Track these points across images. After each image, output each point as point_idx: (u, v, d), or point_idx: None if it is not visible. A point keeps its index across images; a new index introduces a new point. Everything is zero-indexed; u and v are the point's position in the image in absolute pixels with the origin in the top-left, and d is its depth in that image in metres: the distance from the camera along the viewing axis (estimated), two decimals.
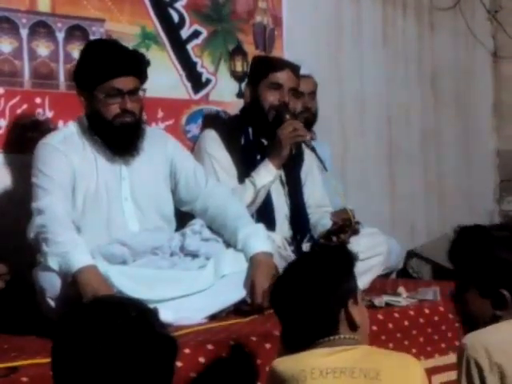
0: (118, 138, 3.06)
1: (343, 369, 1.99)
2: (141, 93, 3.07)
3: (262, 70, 3.61)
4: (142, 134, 3.12)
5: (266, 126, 3.58)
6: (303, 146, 3.67)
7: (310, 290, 2.08)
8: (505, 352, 2.06)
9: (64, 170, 3.00)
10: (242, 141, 3.61)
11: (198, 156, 3.51)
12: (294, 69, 3.62)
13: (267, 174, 3.51)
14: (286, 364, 2.08)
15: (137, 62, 3.08)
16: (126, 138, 3.08)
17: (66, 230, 2.89)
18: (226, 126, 3.71)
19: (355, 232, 3.46)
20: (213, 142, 3.57)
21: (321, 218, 3.68)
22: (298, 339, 2.11)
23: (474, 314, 2.22)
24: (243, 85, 4.02)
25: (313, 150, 3.58)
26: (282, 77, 3.57)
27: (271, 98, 3.56)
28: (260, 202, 3.52)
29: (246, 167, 3.56)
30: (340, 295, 2.09)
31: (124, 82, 3.00)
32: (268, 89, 3.57)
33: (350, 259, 2.17)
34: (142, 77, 3.09)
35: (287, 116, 3.54)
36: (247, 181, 3.51)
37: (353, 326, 2.10)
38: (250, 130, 3.62)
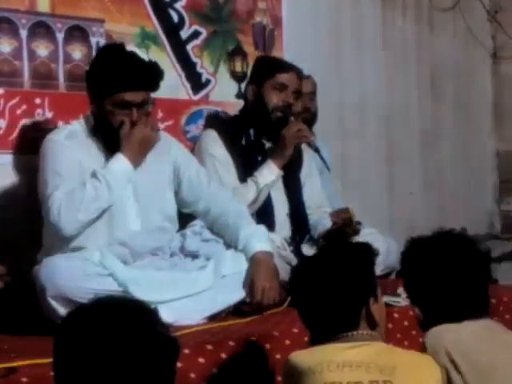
0: None
1: (359, 363, 2.00)
2: (150, 107, 3.06)
3: (267, 70, 3.61)
4: None
5: (268, 126, 3.58)
6: (303, 147, 3.68)
7: (335, 287, 2.08)
8: (461, 352, 2.10)
9: (71, 163, 3.01)
10: (243, 141, 3.61)
11: (198, 156, 3.51)
12: (298, 71, 3.64)
13: (270, 174, 3.52)
14: (302, 356, 2.09)
15: (150, 76, 3.05)
16: None
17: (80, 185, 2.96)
18: (227, 126, 3.70)
19: (356, 232, 3.46)
20: (213, 142, 3.57)
21: (320, 219, 3.69)
22: (318, 334, 2.12)
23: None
24: (243, 85, 4.02)
25: (316, 150, 3.59)
26: (288, 78, 3.58)
27: (276, 98, 3.57)
28: (262, 201, 3.52)
29: (246, 168, 3.56)
30: (362, 293, 2.10)
31: (134, 96, 2.99)
32: (273, 89, 3.57)
33: (372, 256, 2.17)
34: (153, 89, 3.09)
35: (292, 117, 3.56)
36: (250, 180, 3.51)
37: (372, 324, 2.11)
38: (252, 130, 3.63)
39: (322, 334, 2.10)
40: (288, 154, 3.54)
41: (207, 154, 3.55)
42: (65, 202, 2.91)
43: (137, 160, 3.05)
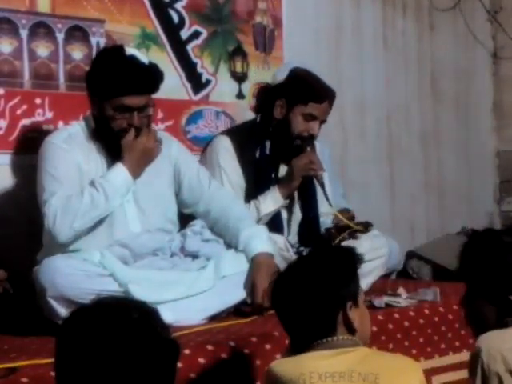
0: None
1: (342, 373, 1.98)
2: (150, 110, 3.05)
3: (302, 95, 3.49)
4: None
5: (286, 150, 3.54)
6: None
7: (309, 292, 2.07)
8: None
9: (70, 168, 3.01)
10: (257, 154, 3.55)
11: (208, 162, 3.49)
12: (332, 98, 3.56)
13: (273, 203, 3.49)
14: (284, 366, 2.08)
15: (150, 80, 3.05)
16: None
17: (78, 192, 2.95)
18: (242, 134, 3.60)
19: (362, 230, 3.47)
20: (225, 151, 3.51)
21: (324, 220, 3.66)
22: (297, 340, 2.11)
23: (482, 320, 2.21)
24: (243, 85, 4.02)
25: (322, 185, 3.53)
26: (320, 109, 3.50)
27: (302, 126, 3.50)
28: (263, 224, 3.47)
29: (257, 182, 3.51)
30: (338, 298, 2.08)
31: (135, 100, 2.98)
32: (302, 117, 3.49)
33: (353, 261, 2.15)
34: (153, 92, 3.08)
35: (308, 148, 3.51)
36: (252, 204, 3.47)
37: (350, 330, 2.09)
38: (268, 143, 3.56)
39: (301, 340, 2.09)
40: (295, 185, 3.51)
41: (217, 165, 3.49)
42: (60, 210, 2.90)
43: (137, 171, 3.05)
